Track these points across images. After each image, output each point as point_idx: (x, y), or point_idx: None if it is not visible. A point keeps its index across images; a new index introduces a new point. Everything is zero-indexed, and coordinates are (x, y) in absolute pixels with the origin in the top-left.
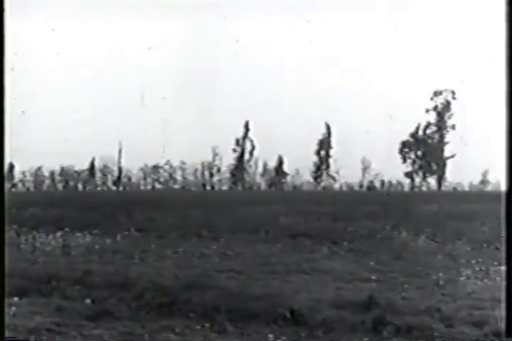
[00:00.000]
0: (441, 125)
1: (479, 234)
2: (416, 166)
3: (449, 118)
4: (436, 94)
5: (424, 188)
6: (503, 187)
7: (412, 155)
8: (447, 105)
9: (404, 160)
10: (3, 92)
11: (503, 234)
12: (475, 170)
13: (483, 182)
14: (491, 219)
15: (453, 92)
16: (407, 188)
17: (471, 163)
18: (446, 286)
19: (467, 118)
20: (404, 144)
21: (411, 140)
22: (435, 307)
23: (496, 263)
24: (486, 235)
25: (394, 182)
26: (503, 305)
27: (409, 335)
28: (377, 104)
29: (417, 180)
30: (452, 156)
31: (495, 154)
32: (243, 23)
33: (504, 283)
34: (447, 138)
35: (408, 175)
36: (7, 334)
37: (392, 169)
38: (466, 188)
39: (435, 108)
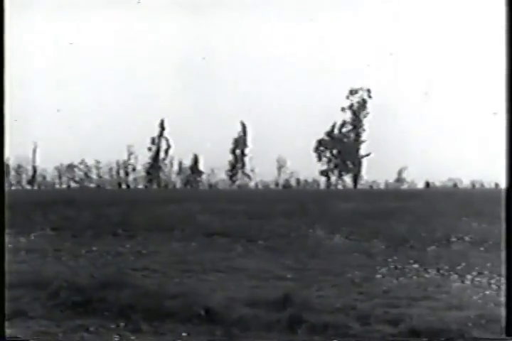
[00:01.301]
0: (356, 124)
1: (395, 232)
2: (332, 164)
3: (365, 117)
4: (352, 92)
5: (340, 186)
6: (420, 185)
7: (328, 154)
8: (363, 104)
9: (320, 158)
10: (3, 92)
11: (503, 233)
12: (391, 168)
13: (399, 180)
14: (407, 217)
15: (369, 91)
16: (323, 186)
17: (386, 161)
18: (362, 284)
19: (384, 116)
20: (320, 143)
21: (327, 138)
22: (351, 306)
23: (411, 261)
24: (402, 233)
25: (310, 180)
26: (503, 304)
27: (325, 333)
28: (294, 102)
29: (333, 178)
30: (368, 155)
31: (410, 153)
32: None
33: (504, 285)
34: (363, 136)
35: (324, 173)
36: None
37: (308, 167)
38: (382, 186)
39: (351, 106)
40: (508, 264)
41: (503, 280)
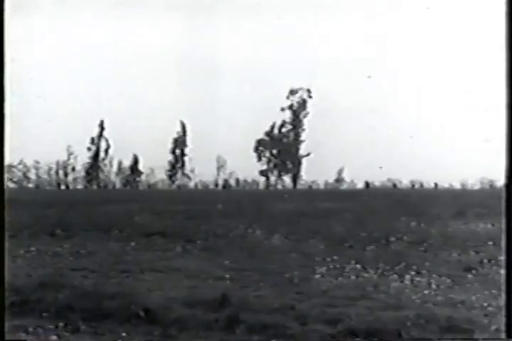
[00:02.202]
0: (296, 124)
1: (334, 232)
2: (271, 164)
3: (305, 117)
4: (292, 92)
5: (279, 186)
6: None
7: (268, 154)
8: (303, 104)
9: (260, 158)
10: (3, 92)
11: (503, 233)
12: (330, 168)
13: (338, 180)
14: (346, 217)
15: (309, 91)
16: (262, 186)
17: (326, 161)
18: (301, 284)
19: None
20: (259, 143)
21: (266, 138)
22: (289, 305)
23: (350, 261)
24: (341, 233)
25: (249, 180)
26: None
27: (263, 333)
28: (234, 102)
29: (273, 178)
30: (307, 155)
31: (349, 153)
32: None
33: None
34: (302, 136)
35: (263, 173)
36: None
37: (248, 167)
38: (322, 186)
39: (291, 106)
40: (508, 264)
41: (443, 279)
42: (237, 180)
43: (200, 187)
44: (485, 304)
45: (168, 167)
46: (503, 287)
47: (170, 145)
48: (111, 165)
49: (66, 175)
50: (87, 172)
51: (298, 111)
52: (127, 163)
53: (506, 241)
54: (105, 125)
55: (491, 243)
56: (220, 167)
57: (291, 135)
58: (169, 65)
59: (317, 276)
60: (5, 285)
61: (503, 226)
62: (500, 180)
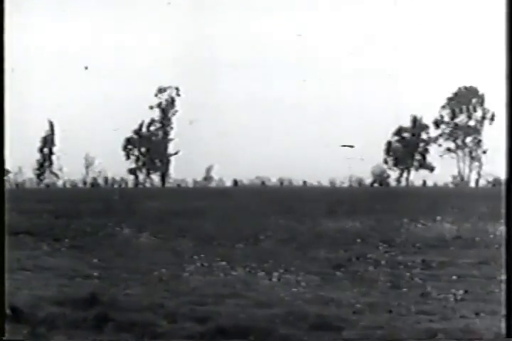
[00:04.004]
0: (165, 122)
1: (203, 230)
2: (140, 163)
3: (174, 115)
4: (161, 90)
5: (148, 185)
6: (229, 183)
7: (136, 152)
8: (172, 102)
9: (128, 156)
10: (3, 92)
11: (504, 233)
12: (199, 166)
13: (207, 178)
14: (215, 215)
15: (177, 89)
16: (131, 185)
17: (194, 159)
18: (170, 282)
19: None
20: (128, 141)
21: (135, 137)
22: (158, 304)
23: (219, 259)
24: (210, 231)
25: (118, 179)
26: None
27: (132, 332)
28: (103, 101)
29: (141, 176)
30: (176, 153)
31: (218, 151)
32: None
33: (504, 285)
34: (171, 135)
35: (132, 171)
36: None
37: (116, 166)
38: (191, 185)
39: (159, 105)
40: (508, 265)
41: (312, 277)
42: (106, 179)
43: (68, 185)
44: (353, 301)
45: (36, 166)
46: (503, 286)
47: (38, 144)
48: None
49: None
50: None
51: (167, 110)
52: None
53: (506, 241)
54: None
55: (359, 240)
56: (88, 165)
57: (160, 133)
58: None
59: (186, 274)
60: (5, 285)
61: (503, 227)
62: (368, 179)
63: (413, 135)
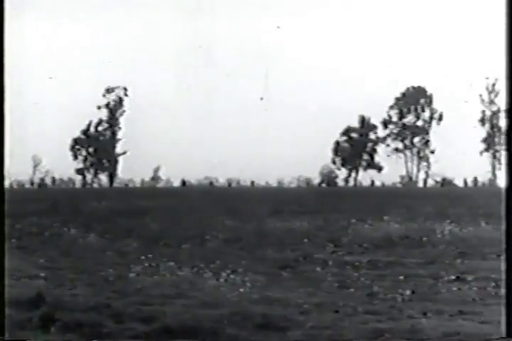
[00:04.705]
0: (113, 122)
1: (149, 230)
2: (88, 163)
3: (121, 115)
4: (109, 91)
5: (95, 185)
6: (177, 183)
7: (84, 152)
8: (119, 102)
9: (76, 157)
10: (3, 93)
11: (503, 232)
12: (146, 166)
13: (155, 178)
14: (162, 215)
15: (125, 89)
16: (78, 185)
17: (142, 159)
18: (116, 282)
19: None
20: (75, 141)
21: (83, 137)
22: (104, 304)
23: (165, 259)
24: (156, 231)
25: (65, 179)
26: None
27: (78, 332)
28: (51, 99)
29: (89, 176)
30: (124, 153)
31: (166, 151)
32: None
33: (503, 285)
34: (119, 134)
35: (79, 171)
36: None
37: (64, 166)
38: (138, 185)
39: (107, 105)
40: (508, 266)
41: (258, 277)
42: (53, 179)
43: (15, 186)
44: (300, 301)
45: None
46: (503, 284)
47: None
48: None
49: None
50: None
51: (114, 110)
52: None
53: (506, 241)
54: None
55: (306, 240)
56: (35, 165)
57: (108, 133)
58: None
59: (132, 275)
60: (5, 285)
61: (503, 227)
62: (316, 179)
63: (361, 135)
